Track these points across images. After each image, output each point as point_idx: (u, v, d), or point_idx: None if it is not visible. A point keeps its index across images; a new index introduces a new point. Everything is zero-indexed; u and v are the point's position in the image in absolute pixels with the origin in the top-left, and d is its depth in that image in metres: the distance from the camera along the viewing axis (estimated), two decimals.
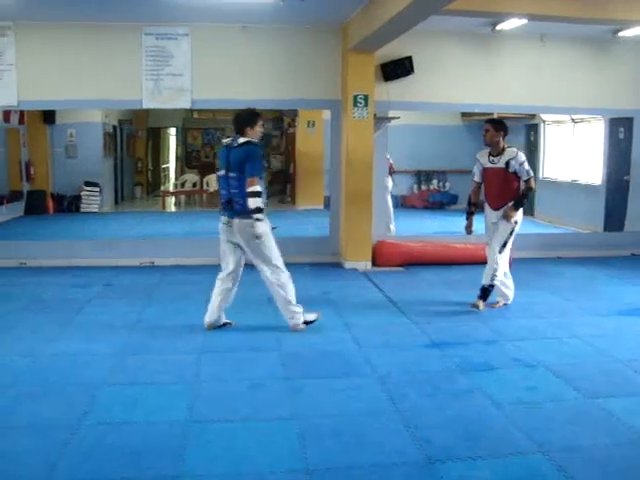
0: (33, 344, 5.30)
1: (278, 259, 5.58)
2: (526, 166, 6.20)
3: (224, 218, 5.50)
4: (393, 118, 8.91)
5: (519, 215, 6.28)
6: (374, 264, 8.46)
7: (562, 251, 9.37)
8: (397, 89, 8.58)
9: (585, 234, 10.79)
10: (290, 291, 5.60)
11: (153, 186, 19.29)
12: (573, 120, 12.67)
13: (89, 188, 14.72)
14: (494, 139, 6.26)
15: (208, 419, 3.88)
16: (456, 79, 8.74)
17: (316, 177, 14.88)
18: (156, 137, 19.92)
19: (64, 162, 14.77)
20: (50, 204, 14.35)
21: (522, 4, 6.86)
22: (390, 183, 11.23)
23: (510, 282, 6.55)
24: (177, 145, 20.91)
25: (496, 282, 6.33)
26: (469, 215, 6.61)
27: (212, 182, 16.37)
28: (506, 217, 6.21)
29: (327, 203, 14.42)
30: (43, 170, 14.49)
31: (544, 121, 13.72)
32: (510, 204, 6.20)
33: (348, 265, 8.41)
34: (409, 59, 8.47)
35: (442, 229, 11.81)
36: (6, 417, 3.95)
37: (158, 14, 7.79)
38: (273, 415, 3.96)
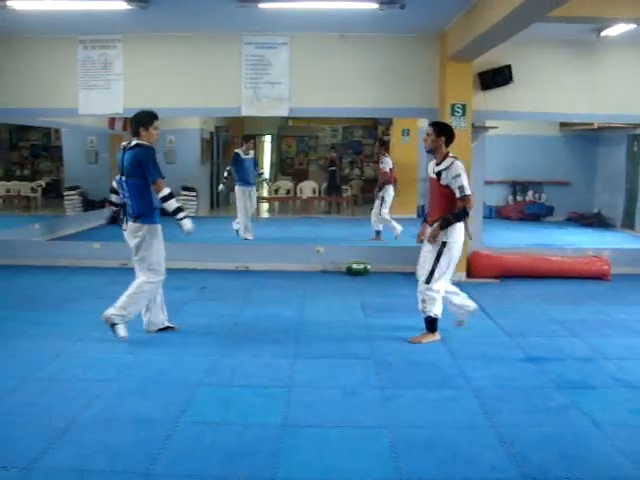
0: (133, 342, 5.50)
1: (159, 263, 5.51)
2: (460, 181, 5.27)
3: (123, 224, 5.50)
4: (491, 128, 8.76)
5: (454, 237, 5.40)
6: (468, 275, 8.34)
7: None
8: (495, 98, 8.43)
9: None
10: (139, 304, 5.49)
11: None
12: None
13: (186, 193, 15.17)
14: (434, 145, 5.45)
15: (302, 424, 3.92)
16: (556, 88, 8.50)
17: (409, 186, 14.80)
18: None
19: (163, 167, 15.12)
20: None
21: (632, 8, 6.61)
22: (392, 192, 11.07)
23: (456, 297, 5.75)
24: (272, 152, 21.25)
25: (432, 314, 5.53)
26: (423, 222, 5.84)
27: (305, 189, 16.57)
28: (431, 237, 5.42)
29: (420, 212, 14.45)
30: None
31: None
32: (437, 223, 5.39)
33: None
34: (508, 67, 8.32)
35: (537, 241, 11.52)
36: (111, 409, 4.14)
37: (258, 24, 7.96)
38: (366, 423, 3.96)
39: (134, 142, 5.33)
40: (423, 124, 13.04)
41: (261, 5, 6.81)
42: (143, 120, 5.35)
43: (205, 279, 8.13)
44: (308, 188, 16.67)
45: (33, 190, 16.15)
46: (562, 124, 14.41)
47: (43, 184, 16.76)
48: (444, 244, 5.40)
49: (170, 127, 14.93)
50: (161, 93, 8.62)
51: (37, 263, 8.97)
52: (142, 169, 5.25)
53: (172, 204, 5.33)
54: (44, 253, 9.24)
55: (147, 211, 5.34)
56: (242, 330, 5.93)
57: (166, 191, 5.29)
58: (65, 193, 14.69)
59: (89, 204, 14.41)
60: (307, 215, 15.73)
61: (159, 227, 5.47)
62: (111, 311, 5.42)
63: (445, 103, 8.16)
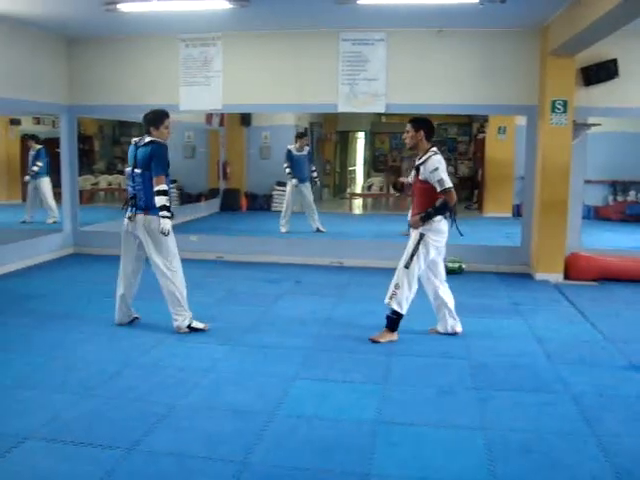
0: (230, 334, 5.64)
1: (175, 256, 5.57)
2: (439, 175, 5.16)
3: (128, 213, 5.56)
4: (593, 125, 8.45)
5: (431, 234, 5.32)
6: (566, 277, 8.09)
7: None
8: (599, 94, 8.11)
9: None
10: (182, 290, 5.58)
11: (339, 188, 19.72)
12: None
13: (280, 188, 15.35)
14: (414, 140, 5.36)
15: (396, 421, 3.91)
16: None
17: (505, 184, 14.46)
18: (344, 140, 20.35)
19: (258, 163, 15.50)
20: (243, 202, 15.14)
21: None
22: None
23: (451, 303, 5.68)
24: (365, 149, 21.23)
25: (395, 306, 5.35)
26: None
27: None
28: (412, 225, 5.38)
29: (515, 211, 14.11)
30: (238, 170, 15.31)
31: None
32: (420, 215, 5.29)
33: (539, 277, 8.10)
34: (614, 62, 7.98)
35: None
36: (209, 398, 4.26)
37: (355, 20, 7.97)
38: (461, 423, 3.91)
39: (147, 139, 5.48)
40: (520, 121, 12.74)
41: (360, 1, 6.81)
42: (154, 120, 5.51)
43: (299, 274, 8.23)
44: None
45: None
46: None
47: None
48: (421, 236, 5.32)
49: (265, 123, 15.17)
50: (258, 90, 8.79)
51: None
52: (152, 163, 5.42)
53: (160, 200, 5.38)
54: None
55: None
56: (337, 325, 5.97)
57: (162, 187, 5.38)
58: None
59: (186, 198, 14.84)
60: (400, 212, 15.63)
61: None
62: (173, 315, 5.63)
63: (545, 99, 7.93)
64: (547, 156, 7.98)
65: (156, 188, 5.39)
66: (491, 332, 5.85)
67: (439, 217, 5.32)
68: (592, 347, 5.50)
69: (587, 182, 10.52)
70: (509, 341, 5.58)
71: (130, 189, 5.59)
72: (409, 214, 5.77)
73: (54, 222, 10.60)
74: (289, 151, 11.24)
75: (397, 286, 5.35)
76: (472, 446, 3.62)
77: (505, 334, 5.75)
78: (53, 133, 13.45)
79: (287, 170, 11.42)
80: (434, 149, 5.36)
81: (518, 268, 8.49)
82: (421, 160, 5.33)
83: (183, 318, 5.63)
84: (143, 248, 5.63)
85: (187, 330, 5.64)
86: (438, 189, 5.21)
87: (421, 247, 5.31)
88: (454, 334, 5.67)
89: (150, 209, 5.46)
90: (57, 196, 10.58)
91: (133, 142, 5.62)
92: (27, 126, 15.13)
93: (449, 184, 5.22)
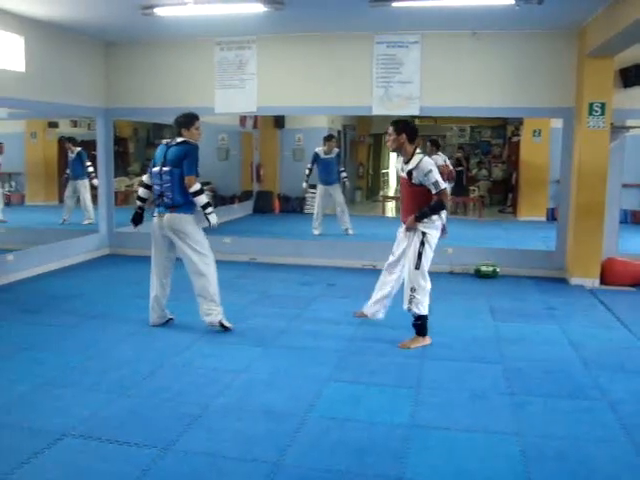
0: (263, 335, 5.66)
1: (209, 251, 5.67)
2: (433, 177, 5.17)
3: (157, 212, 5.65)
4: (632, 127, 8.32)
5: (432, 232, 5.33)
6: (602, 282, 7.97)
7: None
8: (638, 96, 8.00)
9: None
10: (215, 286, 5.65)
11: (372, 191, 19.70)
12: None
13: (313, 190, 15.34)
14: (396, 144, 5.35)
15: (429, 425, 3.89)
16: None
17: (540, 188, 14.31)
18: (378, 143, 20.31)
19: (291, 165, 15.53)
20: (276, 204, 15.19)
21: None
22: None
23: (391, 292, 5.75)
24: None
25: (417, 310, 5.30)
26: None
27: None
28: (408, 227, 5.37)
29: (550, 215, 13.96)
30: (272, 172, 15.38)
31: None
32: (413, 215, 5.30)
33: (574, 281, 7.98)
34: None
35: None
36: (242, 399, 4.28)
37: (389, 23, 7.95)
38: (495, 429, 3.87)
39: (179, 139, 5.58)
40: (556, 124, 12.59)
41: (394, 4, 6.79)
42: (185, 122, 5.62)
43: (332, 276, 8.23)
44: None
45: None
46: None
47: None
48: (424, 234, 5.30)
49: (298, 126, 15.20)
50: (293, 92, 8.81)
51: None
52: (184, 163, 5.50)
53: (202, 199, 5.51)
54: None
55: (186, 202, 5.54)
56: (369, 328, 5.94)
57: (197, 187, 5.47)
58: None
59: (219, 200, 14.93)
60: None
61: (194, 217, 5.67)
62: (205, 311, 5.68)
63: (583, 102, 7.82)
64: (584, 159, 7.87)
65: (191, 189, 5.45)
66: (525, 337, 5.78)
67: (436, 216, 5.33)
68: (630, 353, 5.40)
69: (624, 186, 10.34)
70: (544, 346, 5.51)
71: (157, 188, 5.66)
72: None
73: (90, 223, 10.76)
74: (316, 154, 11.25)
75: (413, 289, 5.31)
76: (507, 451, 3.59)
77: (540, 339, 5.68)
78: (89, 135, 13.64)
79: (307, 172, 11.48)
80: (419, 150, 5.38)
81: (553, 272, 8.38)
82: (412, 165, 5.29)
83: (216, 313, 5.68)
84: (174, 248, 5.71)
85: (218, 326, 5.69)
86: (434, 191, 5.23)
87: (425, 245, 5.31)
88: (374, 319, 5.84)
89: (177, 207, 5.53)
90: (93, 198, 10.74)
91: (164, 142, 5.72)
92: (64, 129, 15.37)
93: (443, 185, 5.28)
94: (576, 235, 7.99)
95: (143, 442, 3.59)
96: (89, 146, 11.75)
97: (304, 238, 10.39)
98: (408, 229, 5.41)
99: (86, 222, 10.92)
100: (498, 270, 8.26)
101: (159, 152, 5.71)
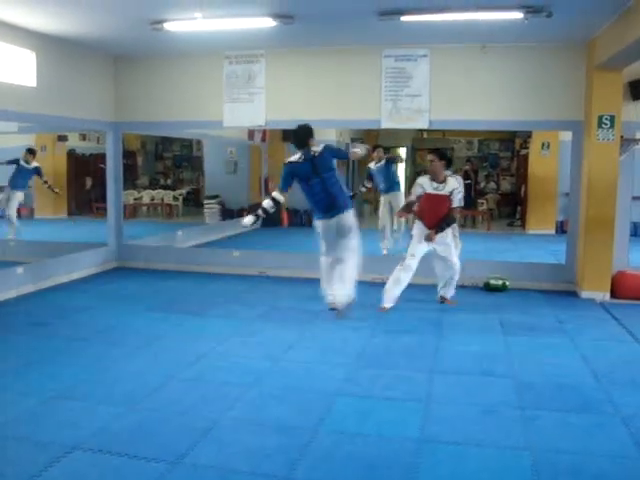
0: (273, 349, 5.65)
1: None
2: (462, 194, 6.96)
3: (329, 216, 6.27)
4: None
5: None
6: (612, 295, 7.93)
7: None
8: None
9: None
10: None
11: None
12: None
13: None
14: (438, 169, 6.86)
15: (440, 440, 3.86)
16: None
17: (548, 201, 14.29)
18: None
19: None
20: (285, 217, 15.21)
21: None
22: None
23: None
24: (406, 164, 21.17)
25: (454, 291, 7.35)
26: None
27: None
28: (429, 238, 6.87)
29: (559, 228, 13.92)
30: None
31: None
32: (437, 229, 6.87)
33: (584, 295, 7.95)
34: None
35: None
36: (252, 413, 4.26)
37: (398, 36, 7.97)
38: (505, 443, 3.83)
39: (316, 148, 6.23)
40: (564, 137, 12.59)
41: (403, 18, 6.81)
42: (310, 132, 6.32)
43: None
44: None
45: (175, 198, 16.98)
46: None
47: (184, 193, 17.58)
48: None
49: None
50: (301, 105, 8.82)
51: (180, 268, 9.43)
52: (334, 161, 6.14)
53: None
54: (187, 259, 9.69)
55: (349, 198, 6.28)
56: (379, 342, 5.92)
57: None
58: (205, 202, 15.33)
59: (227, 213, 14.97)
60: None
61: None
62: (346, 296, 6.39)
63: (592, 115, 7.82)
64: (593, 172, 7.85)
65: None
66: (536, 351, 5.75)
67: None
68: None
69: (634, 198, 10.30)
70: (555, 360, 5.47)
71: (322, 197, 6.25)
72: (420, 225, 7.05)
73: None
74: (369, 168, 10.96)
75: (452, 278, 7.21)
76: (518, 466, 3.55)
77: (550, 353, 5.64)
78: (98, 149, 13.72)
79: (362, 189, 11.66)
80: (449, 173, 7.05)
81: (563, 286, 8.35)
82: (453, 186, 6.88)
83: (348, 296, 6.42)
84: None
85: (337, 307, 6.54)
86: (456, 204, 6.90)
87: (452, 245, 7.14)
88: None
89: (348, 206, 6.38)
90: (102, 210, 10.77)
91: (300, 160, 6.22)
92: (73, 142, 15.48)
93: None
94: (586, 248, 7.96)
95: (153, 456, 3.58)
96: (98, 159, 11.82)
97: (312, 252, 10.33)
98: (427, 238, 6.91)
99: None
100: (508, 284, 8.23)
101: (303, 169, 6.25)
